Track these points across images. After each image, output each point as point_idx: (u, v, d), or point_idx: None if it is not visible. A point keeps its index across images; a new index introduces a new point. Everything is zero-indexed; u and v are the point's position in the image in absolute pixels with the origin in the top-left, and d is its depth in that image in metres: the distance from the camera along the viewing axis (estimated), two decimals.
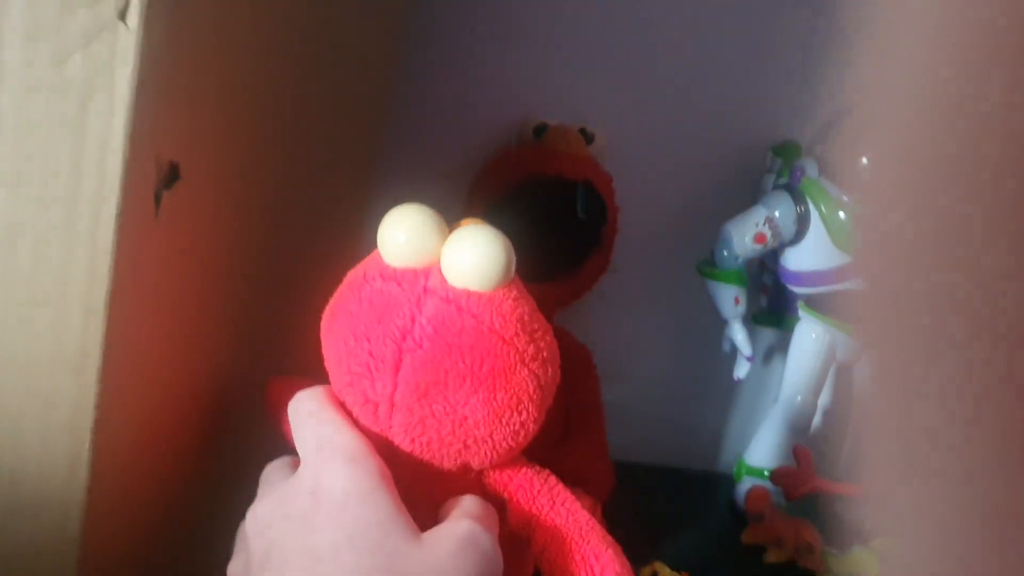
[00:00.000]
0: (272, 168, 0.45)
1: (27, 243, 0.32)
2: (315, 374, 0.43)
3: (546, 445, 0.63)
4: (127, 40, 0.31)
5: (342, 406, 0.39)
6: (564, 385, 0.68)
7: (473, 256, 0.36)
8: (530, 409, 0.37)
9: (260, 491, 0.38)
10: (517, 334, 0.36)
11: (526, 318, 0.37)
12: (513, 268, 0.37)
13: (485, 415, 0.36)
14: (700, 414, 0.82)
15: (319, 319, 0.41)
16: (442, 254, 0.37)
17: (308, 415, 0.38)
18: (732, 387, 0.79)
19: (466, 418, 0.36)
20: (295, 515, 0.35)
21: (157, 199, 0.34)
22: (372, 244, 0.39)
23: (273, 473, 0.39)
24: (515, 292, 0.37)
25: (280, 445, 0.41)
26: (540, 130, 0.69)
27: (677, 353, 0.79)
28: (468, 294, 0.36)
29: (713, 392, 0.81)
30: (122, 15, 0.30)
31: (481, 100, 0.72)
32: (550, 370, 0.38)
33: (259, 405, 0.45)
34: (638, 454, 0.75)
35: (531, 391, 0.37)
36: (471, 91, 0.72)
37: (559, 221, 0.66)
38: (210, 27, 0.35)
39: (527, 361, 0.37)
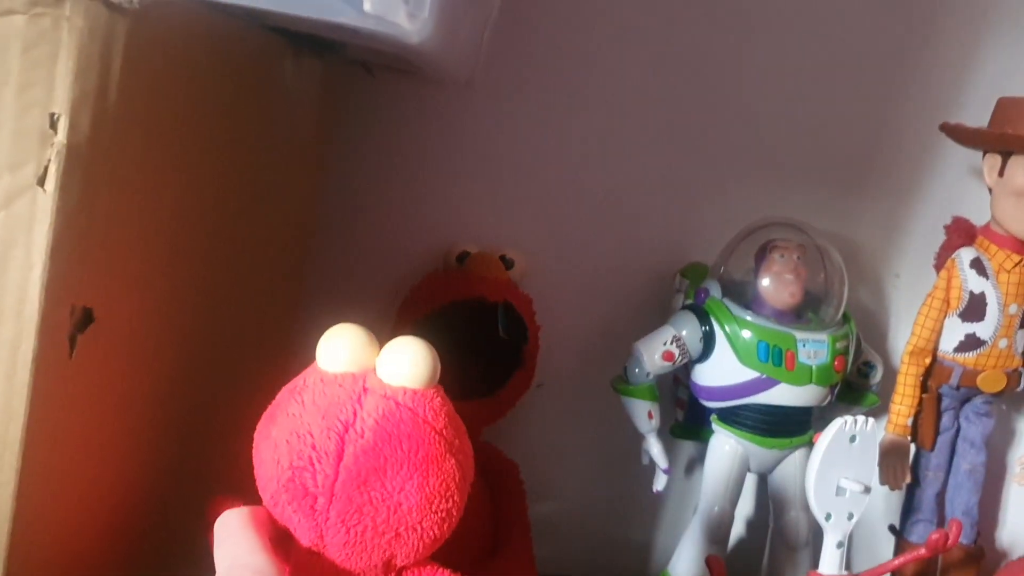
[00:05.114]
0: (191, 309, 0.48)
1: None
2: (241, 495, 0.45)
3: (474, 559, 0.65)
4: (44, 202, 0.34)
5: (268, 524, 0.41)
6: (492, 499, 0.70)
7: (409, 358, 0.42)
8: (455, 497, 0.41)
9: None
10: (447, 426, 0.42)
11: (452, 414, 0.43)
12: (439, 373, 0.43)
13: (418, 500, 0.40)
14: (626, 528, 0.84)
15: (244, 444, 0.43)
16: (379, 358, 0.42)
17: (228, 535, 0.40)
18: (655, 500, 0.81)
19: (400, 504, 0.40)
20: None
21: (72, 342, 0.37)
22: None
23: None
24: (442, 393, 0.43)
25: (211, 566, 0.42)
26: (463, 257, 0.73)
27: (601, 467, 0.82)
28: (404, 390, 0.41)
29: (638, 505, 0.83)
30: (40, 181, 0.34)
31: (406, 230, 0.76)
32: (469, 463, 0.43)
33: (182, 529, 0.47)
34: (566, 568, 0.77)
35: (458, 479, 0.41)
36: (397, 222, 0.76)
37: (482, 342, 0.69)
38: (127, 182, 0.39)
39: (455, 451, 0.41)
